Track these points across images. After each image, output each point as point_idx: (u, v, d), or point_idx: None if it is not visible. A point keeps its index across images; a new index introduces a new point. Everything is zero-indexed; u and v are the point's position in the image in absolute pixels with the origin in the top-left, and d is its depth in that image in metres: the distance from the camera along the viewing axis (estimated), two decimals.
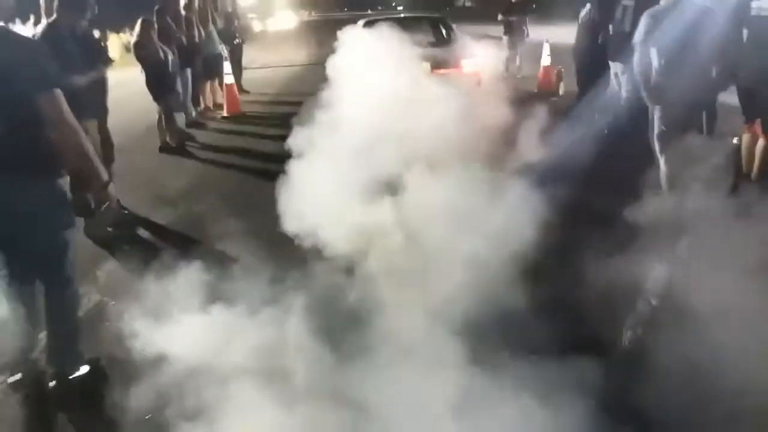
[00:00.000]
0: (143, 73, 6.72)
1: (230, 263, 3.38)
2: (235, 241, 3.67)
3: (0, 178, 2.27)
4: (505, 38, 10.58)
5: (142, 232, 4.56)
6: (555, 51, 9.63)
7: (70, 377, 2.58)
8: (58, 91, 2.24)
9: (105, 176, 2.44)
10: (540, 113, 5.39)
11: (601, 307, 2.74)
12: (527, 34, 10.60)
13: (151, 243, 4.21)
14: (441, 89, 3.66)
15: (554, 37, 10.13)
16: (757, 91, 4.03)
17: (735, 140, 4.62)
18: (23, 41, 2.45)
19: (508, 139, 4.55)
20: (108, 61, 4.83)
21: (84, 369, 2.61)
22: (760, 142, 4.17)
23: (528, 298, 2.75)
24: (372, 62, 3.49)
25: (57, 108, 2.22)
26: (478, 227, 2.87)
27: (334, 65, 3.55)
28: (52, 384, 2.60)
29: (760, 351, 2.31)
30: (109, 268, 3.87)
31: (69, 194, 2.49)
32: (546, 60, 9.66)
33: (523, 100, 5.80)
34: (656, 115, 3.95)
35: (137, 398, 2.35)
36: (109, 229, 4.38)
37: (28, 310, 2.52)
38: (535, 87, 9.57)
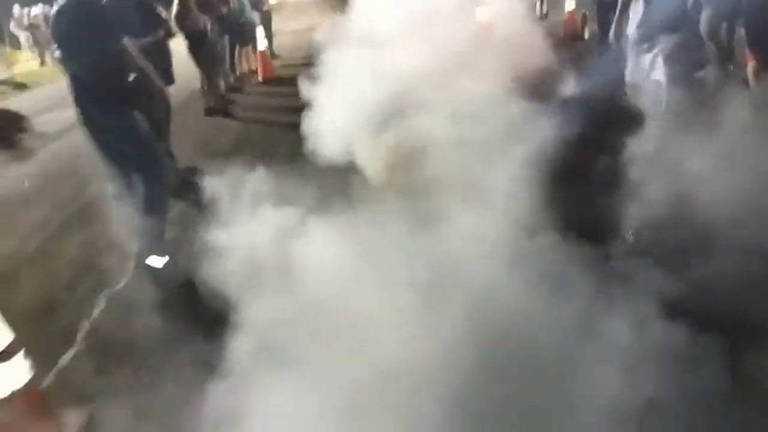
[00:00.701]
0: (185, 42, 7.19)
1: (284, 187, 3.89)
2: (284, 172, 4.16)
3: (102, 107, 3.13)
4: None
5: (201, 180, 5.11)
6: None
7: (151, 264, 3.32)
8: (126, 40, 3.08)
9: (160, 82, 3.44)
10: (562, 54, 5.67)
11: None
12: None
13: (210, 186, 4.74)
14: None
15: None
16: (758, 21, 4.21)
17: None
18: (98, 8, 3.13)
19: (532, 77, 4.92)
20: (170, 31, 5.36)
21: (164, 259, 3.35)
22: None
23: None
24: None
25: (127, 54, 3.07)
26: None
27: None
28: (133, 265, 3.36)
29: None
30: (180, 210, 4.45)
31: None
32: (570, 4, 9.74)
33: (547, 44, 6.03)
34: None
35: (212, 285, 2.74)
36: (173, 181, 4.96)
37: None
38: (561, 32, 9.69)
